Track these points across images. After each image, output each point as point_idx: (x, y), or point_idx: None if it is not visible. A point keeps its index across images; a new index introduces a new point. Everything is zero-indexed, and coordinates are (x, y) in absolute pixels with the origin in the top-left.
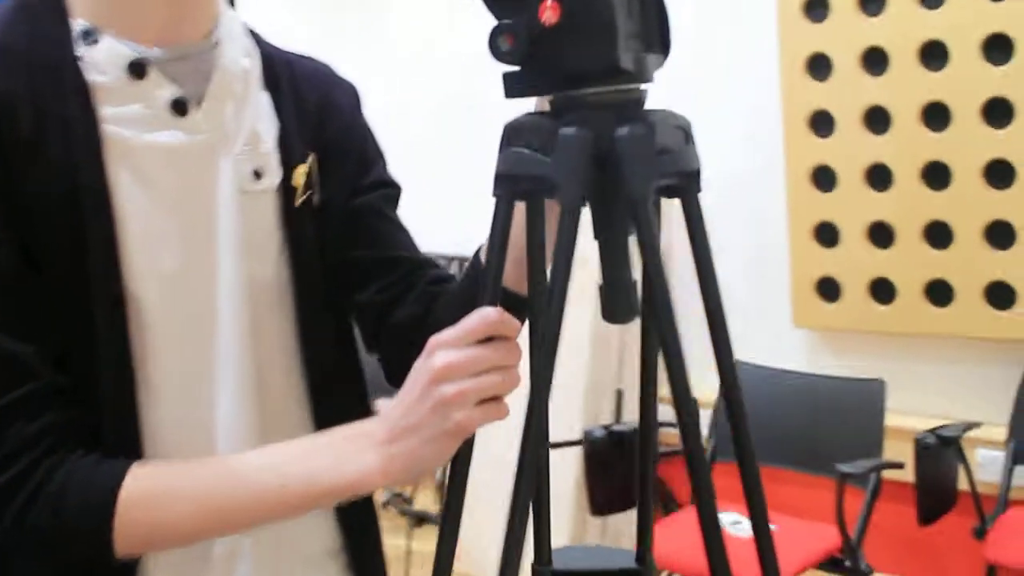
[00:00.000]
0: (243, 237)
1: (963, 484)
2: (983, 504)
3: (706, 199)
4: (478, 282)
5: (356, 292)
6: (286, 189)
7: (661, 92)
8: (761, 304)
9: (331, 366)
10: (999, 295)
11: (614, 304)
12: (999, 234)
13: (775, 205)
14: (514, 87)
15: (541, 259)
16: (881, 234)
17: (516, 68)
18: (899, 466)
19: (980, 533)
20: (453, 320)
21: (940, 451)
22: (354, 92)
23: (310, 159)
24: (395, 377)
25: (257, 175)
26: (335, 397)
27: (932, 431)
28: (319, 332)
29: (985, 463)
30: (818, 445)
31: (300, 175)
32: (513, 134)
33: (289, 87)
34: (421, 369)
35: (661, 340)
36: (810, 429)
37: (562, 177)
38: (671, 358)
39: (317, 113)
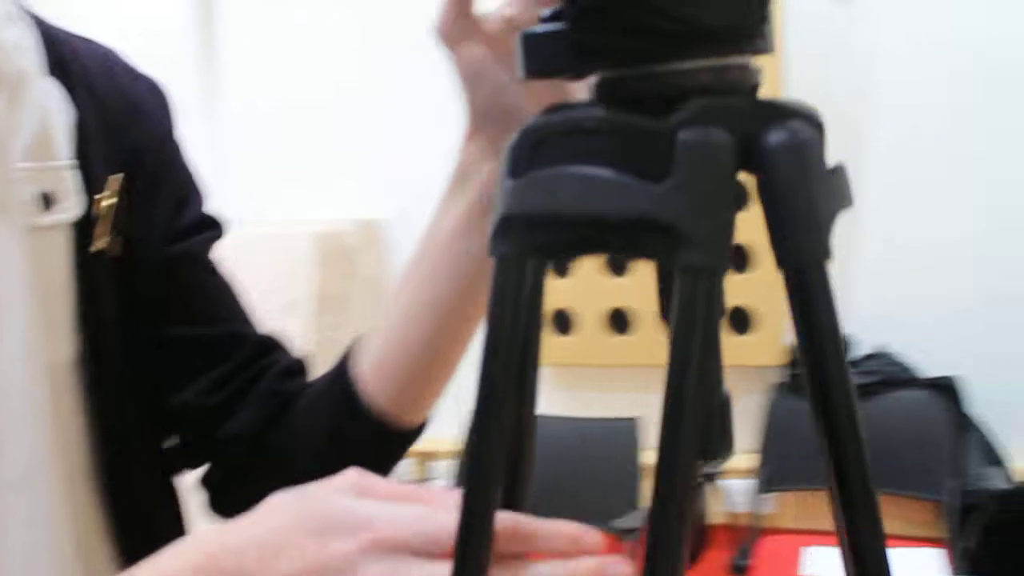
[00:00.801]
0: (28, 298)
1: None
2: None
3: None
4: (347, 384)
5: (172, 391)
6: (85, 224)
7: None
8: None
9: (144, 486)
10: (734, 320)
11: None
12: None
13: None
14: (551, 59)
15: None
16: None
17: (553, 27)
18: None
19: (740, 569)
20: (315, 438)
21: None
22: (161, 93)
23: (117, 181)
24: (222, 506)
25: (47, 201)
26: (152, 524)
27: None
28: (125, 438)
29: (736, 493)
30: (579, 496)
31: (105, 205)
32: (541, 144)
33: (81, 80)
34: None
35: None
36: (566, 479)
37: (697, 220)
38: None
39: (119, 119)
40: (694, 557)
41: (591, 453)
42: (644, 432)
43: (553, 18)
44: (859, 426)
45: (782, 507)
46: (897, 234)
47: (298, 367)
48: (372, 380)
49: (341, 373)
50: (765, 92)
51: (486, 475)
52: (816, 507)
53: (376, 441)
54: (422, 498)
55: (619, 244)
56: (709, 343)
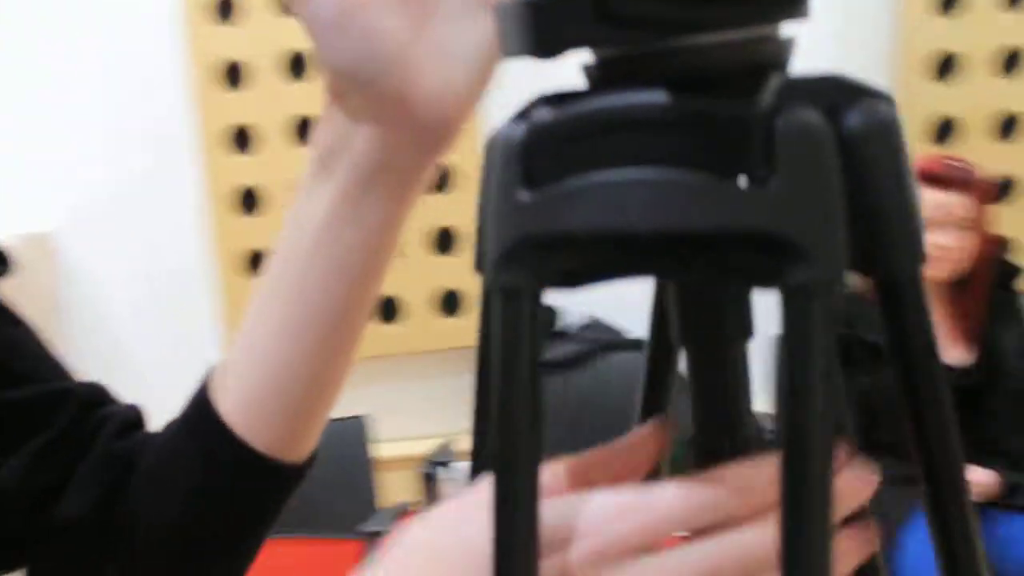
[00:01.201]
0: None
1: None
2: None
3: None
4: (214, 427)
5: None
6: None
7: None
8: (180, 341)
9: None
10: (448, 303)
11: None
12: (443, 241)
13: (190, 230)
14: (562, 30)
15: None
16: None
17: None
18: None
19: None
20: (174, 500)
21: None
22: None
23: None
24: None
25: None
26: None
27: (431, 459)
28: None
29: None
30: (316, 504)
31: None
32: (571, 144)
33: None
34: None
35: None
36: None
37: (812, 227)
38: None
39: None
40: None
41: (321, 456)
42: (372, 429)
43: None
44: (956, 451)
45: None
46: None
47: (135, 417)
48: (243, 419)
49: (202, 415)
50: None
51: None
52: None
53: (261, 489)
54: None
55: (685, 265)
56: (831, 372)
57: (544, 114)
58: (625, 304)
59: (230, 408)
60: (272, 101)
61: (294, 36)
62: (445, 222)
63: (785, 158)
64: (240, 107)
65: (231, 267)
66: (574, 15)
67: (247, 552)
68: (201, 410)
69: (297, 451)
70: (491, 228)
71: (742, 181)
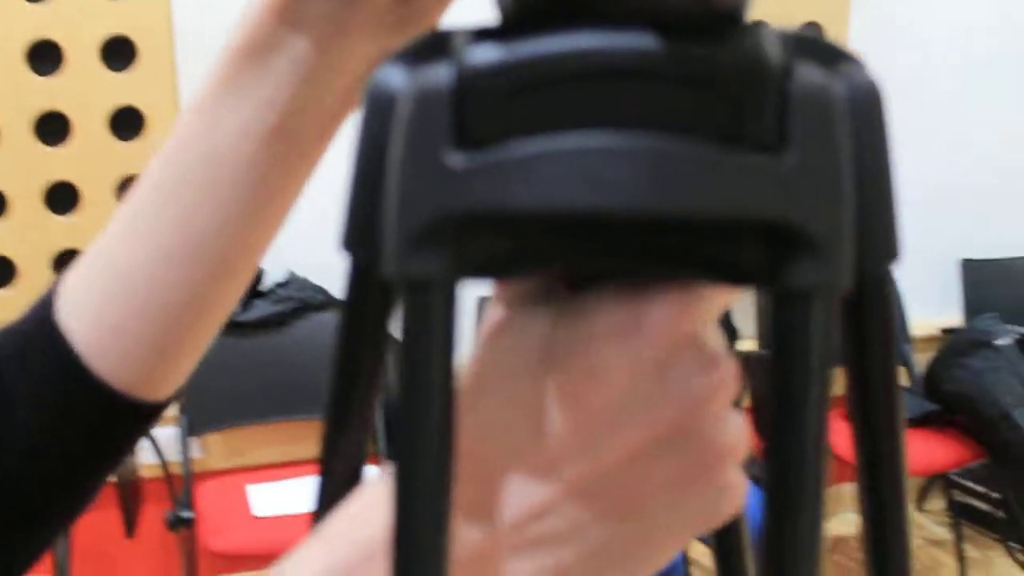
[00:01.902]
0: None
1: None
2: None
3: None
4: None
5: None
6: None
7: None
8: None
9: None
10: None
11: None
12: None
13: None
14: None
15: None
16: None
17: None
18: None
19: (181, 522)
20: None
21: None
22: None
23: None
24: None
25: None
26: None
27: None
28: None
29: (163, 442)
30: None
31: None
32: (520, 96)
33: None
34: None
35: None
36: None
37: (825, 215)
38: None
39: None
40: (132, 523)
41: None
42: None
43: None
44: (904, 483)
45: (214, 448)
46: None
47: None
48: (100, 351)
49: (48, 340)
50: None
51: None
52: (248, 442)
53: (114, 428)
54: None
55: (654, 257)
56: (829, 387)
57: (483, 54)
58: (323, 262)
59: (84, 337)
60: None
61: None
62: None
63: (801, 130)
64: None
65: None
66: None
67: (87, 491)
68: (46, 334)
69: (159, 390)
70: (393, 198)
71: (747, 154)
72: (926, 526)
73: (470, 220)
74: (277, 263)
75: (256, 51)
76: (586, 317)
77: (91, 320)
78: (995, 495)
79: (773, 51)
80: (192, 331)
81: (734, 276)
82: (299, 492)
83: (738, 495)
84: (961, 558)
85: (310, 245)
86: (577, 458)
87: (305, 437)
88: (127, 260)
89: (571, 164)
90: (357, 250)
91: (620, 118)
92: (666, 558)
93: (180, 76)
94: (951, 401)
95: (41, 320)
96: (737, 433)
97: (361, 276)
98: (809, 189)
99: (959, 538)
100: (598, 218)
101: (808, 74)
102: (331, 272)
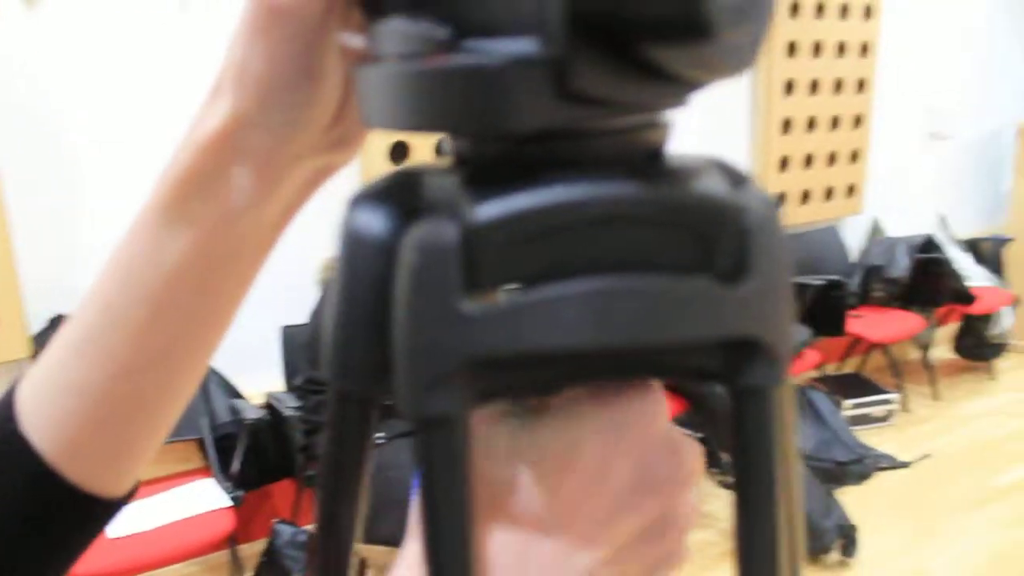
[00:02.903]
0: None
1: None
2: None
3: None
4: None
5: None
6: None
7: None
8: None
9: None
10: None
11: None
12: None
13: None
14: (544, 103)
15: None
16: None
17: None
18: None
19: None
20: None
21: None
22: None
23: None
24: None
25: None
26: None
27: None
28: None
29: None
30: None
31: None
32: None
33: None
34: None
35: None
36: None
37: (780, 327)
38: None
39: None
40: None
41: None
42: None
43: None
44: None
45: None
46: None
47: None
48: (60, 449)
49: (13, 441)
50: None
51: None
52: None
53: (76, 524)
54: None
55: (638, 370)
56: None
57: (486, 211)
58: None
59: (48, 447)
60: None
61: None
62: None
63: (758, 255)
64: None
65: None
66: (529, 88)
67: None
68: (17, 449)
69: (123, 486)
70: (405, 344)
71: (717, 285)
72: None
73: (491, 361)
74: None
75: (199, 180)
76: (567, 418)
77: (52, 433)
78: (698, 435)
79: (723, 188)
80: (148, 434)
81: (696, 376)
82: (151, 509)
83: (685, 556)
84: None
85: None
86: (589, 543)
87: (160, 459)
88: (81, 376)
89: (576, 306)
90: (341, 380)
91: (612, 260)
92: None
93: None
94: None
95: (9, 433)
96: (694, 508)
97: (342, 399)
98: (766, 307)
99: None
100: (600, 352)
101: (760, 210)
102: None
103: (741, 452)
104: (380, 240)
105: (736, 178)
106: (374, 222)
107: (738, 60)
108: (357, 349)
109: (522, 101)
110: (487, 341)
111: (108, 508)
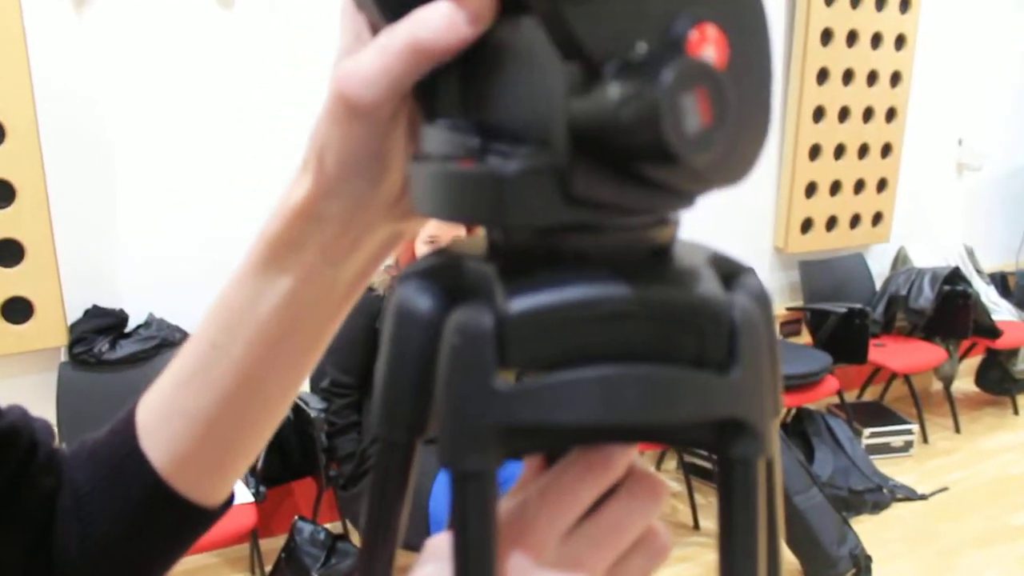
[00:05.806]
0: None
1: None
2: None
3: None
4: (133, 468)
5: None
6: None
7: None
8: None
9: None
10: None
11: None
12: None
13: None
14: (551, 205)
15: None
16: None
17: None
18: None
19: None
20: (100, 543)
21: None
22: None
23: None
24: None
25: None
26: None
27: None
28: None
29: None
30: None
31: None
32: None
33: None
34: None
35: None
36: None
37: (762, 408)
38: None
39: None
40: None
41: None
42: None
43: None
44: None
45: None
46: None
47: (51, 438)
48: (175, 471)
49: (132, 461)
50: None
51: None
52: None
53: (182, 529)
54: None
55: (639, 439)
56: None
57: (517, 304)
58: (179, 305)
59: (161, 457)
60: None
61: None
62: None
63: (744, 348)
64: None
65: None
66: (538, 192)
67: None
68: (138, 463)
69: (221, 497)
70: (448, 409)
71: (710, 374)
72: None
73: (519, 430)
74: (140, 308)
75: (288, 241)
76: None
77: (165, 451)
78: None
79: (716, 287)
80: (246, 452)
81: (689, 445)
82: None
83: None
84: (693, 504)
85: (167, 291)
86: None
87: None
88: (190, 403)
89: (589, 388)
90: (388, 430)
91: (620, 349)
92: None
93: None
94: None
95: (130, 450)
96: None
97: (388, 445)
98: (751, 392)
99: (690, 489)
100: (610, 428)
101: (745, 306)
102: (186, 313)
103: (727, 513)
104: (425, 318)
105: (732, 270)
106: (420, 301)
107: (729, 171)
108: (402, 405)
109: (533, 203)
110: (515, 413)
111: (209, 515)
